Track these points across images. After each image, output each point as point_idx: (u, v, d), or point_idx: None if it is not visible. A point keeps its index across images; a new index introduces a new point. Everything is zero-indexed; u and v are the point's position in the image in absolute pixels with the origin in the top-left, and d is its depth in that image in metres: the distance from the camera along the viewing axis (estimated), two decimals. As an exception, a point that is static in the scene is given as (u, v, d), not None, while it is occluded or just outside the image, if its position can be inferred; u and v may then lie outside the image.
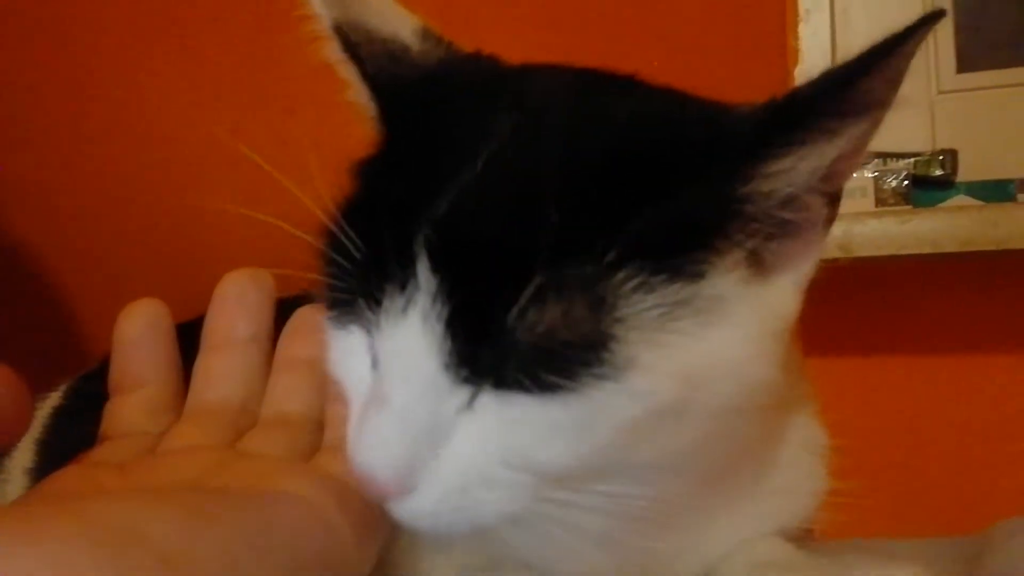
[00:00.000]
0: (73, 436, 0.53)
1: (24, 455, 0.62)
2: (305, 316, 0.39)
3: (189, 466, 0.32)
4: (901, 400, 0.96)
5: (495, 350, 0.27)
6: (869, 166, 1.04)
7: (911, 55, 0.30)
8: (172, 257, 1.05)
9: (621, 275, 0.27)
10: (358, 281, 0.30)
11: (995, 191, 1.01)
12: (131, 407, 0.38)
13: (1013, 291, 0.95)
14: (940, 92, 1.27)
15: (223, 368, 0.39)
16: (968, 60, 1.25)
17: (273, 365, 0.39)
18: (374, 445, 0.28)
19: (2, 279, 1.04)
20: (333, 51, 0.36)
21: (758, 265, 0.31)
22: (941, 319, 0.97)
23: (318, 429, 0.37)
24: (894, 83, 0.30)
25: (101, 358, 0.65)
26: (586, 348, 0.27)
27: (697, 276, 0.28)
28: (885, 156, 1.08)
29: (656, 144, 0.30)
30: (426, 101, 0.33)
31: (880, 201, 0.98)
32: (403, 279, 0.29)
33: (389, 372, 0.29)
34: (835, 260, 1.12)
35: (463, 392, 0.29)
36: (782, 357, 0.32)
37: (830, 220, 0.33)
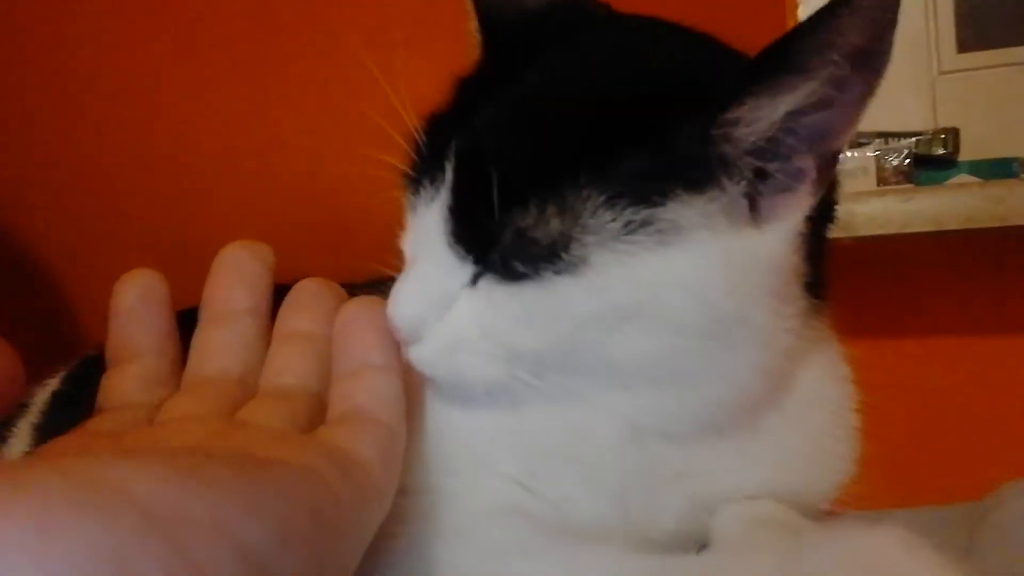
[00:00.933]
0: (72, 421, 0.53)
1: (23, 440, 0.62)
2: (305, 289, 0.40)
3: (185, 435, 0.32)
4: (907, 381, 0.95)
5: (483, 237, 0.34)
6: (870, 146, 1.04)
7: (852, 28, 0.32)
8: (171, 249, 1.06)
9: (589, 193, 0.33)
10: (417, 172, 0.37)
11: (997, 169, 1.01)
12: (127, 379, 0.37)
13: (1017, 268, 0.95)
14: (941, 72, 1.26)
15: (221, 340, 0.38)
16: (968, 40, 1.25)
17: (272, 338, 0.39)
18: (398, 299, 0.36)
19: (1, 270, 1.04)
20: None
21: (755, 212, 0.35)
22: (945, 298, 0.96)
23: (317, 402, 0.36)
24: (845, 50, 0.32)
25: (100, 345, 0.65)
26: (551, 248, 0.33)
27: (657, 204, 0.33)
28: (887, 135, 1.07)
29: (640, 95, 0.35)
30: (515, 38, 0.39)
31: (882, 180, 0.97)
32: (435, 175, 0.36)
33: (417, 246, 0.37)
34: (838, 240, 1.12)
35: (466, 271, 0.35)
36: (762, 299, 0.35)
37: (821, 181, 0.36)
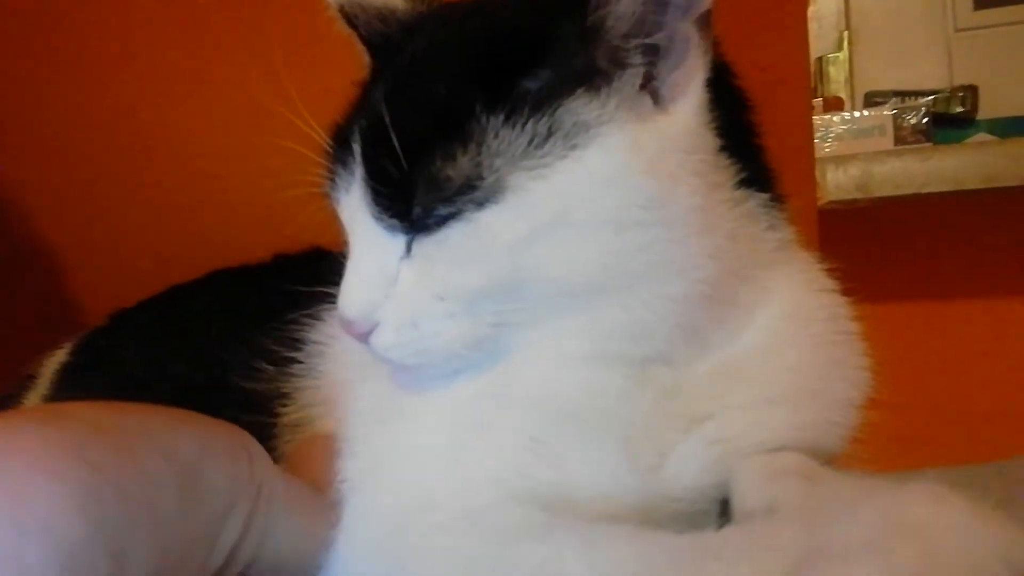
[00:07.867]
0: (79, 392, 0.52)
1: (33, 412, 0.61)
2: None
3: None
4: (931, 344, 0.94)
5: (401, 197, 0.34)
6: (887, 105, 1.02)
7: None
8: (169, 242, 1.05)
9: (487, 119, 0.33)
10: (332, 171, 0.38)
11: (1017, 127, 0.99)
12: None
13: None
14: (957, 30, 1.24)
15: None
16: (985, -3, 1.23)
17: None
18: (344, 293, 0.36)
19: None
20: (342, 27, 0.44)
21: (657, 97, 0.35)
22: (965, 259, 0.95)
23: None
24: None
25: (106, 317, 0.65)
26: (466, 182, 0.33)
27: (556, 110, 0.34)
28: (903, 94, 1.06)
29: (509, 19, 0.37)
30: (396, 45, 0.40)
31: (900, 140, 0.95)
32: (347, 161, 0.36)
33: (349, 234, 0.37)
34: (854, 201, 1.11)
35: (399, 243, 0.35)
36: (683, 179, 0.35)
37: (706, 44, 0.36)
